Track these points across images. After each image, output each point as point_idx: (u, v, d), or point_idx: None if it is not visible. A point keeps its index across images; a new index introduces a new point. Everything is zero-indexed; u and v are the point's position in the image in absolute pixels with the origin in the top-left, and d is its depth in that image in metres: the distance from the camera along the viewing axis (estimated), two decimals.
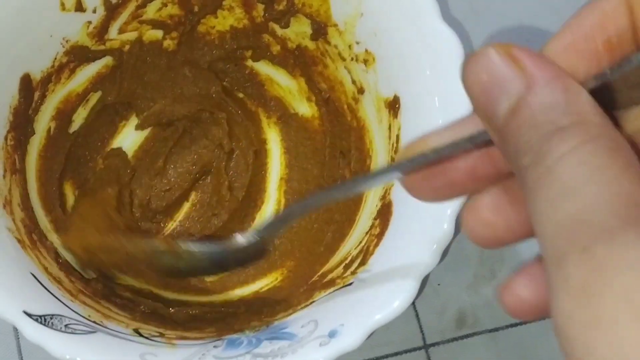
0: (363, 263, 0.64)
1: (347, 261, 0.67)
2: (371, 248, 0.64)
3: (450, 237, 0.60)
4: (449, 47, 0.62)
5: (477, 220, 0.41)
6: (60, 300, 0.62)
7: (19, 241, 0.64)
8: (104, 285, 0.69)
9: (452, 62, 0.62)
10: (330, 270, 0.69)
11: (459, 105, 0.58)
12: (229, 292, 0.75)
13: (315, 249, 0.74)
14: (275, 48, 0.77)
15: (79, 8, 0.69)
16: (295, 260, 0.75)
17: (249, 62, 0.79)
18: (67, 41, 0.70)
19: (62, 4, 0.67)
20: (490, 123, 0.37)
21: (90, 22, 0.71)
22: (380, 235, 0.64)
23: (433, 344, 0.75)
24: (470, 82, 0.37)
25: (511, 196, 0.40)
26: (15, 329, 0.73)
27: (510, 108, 0.35)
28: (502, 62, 0.35)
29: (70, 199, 0.75)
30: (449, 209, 0.59)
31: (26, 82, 0.68)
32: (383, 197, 0.67)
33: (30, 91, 0.69)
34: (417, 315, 0.75)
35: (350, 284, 0.64)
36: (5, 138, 0.66)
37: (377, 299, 0.60)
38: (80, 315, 0.62)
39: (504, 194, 0.40)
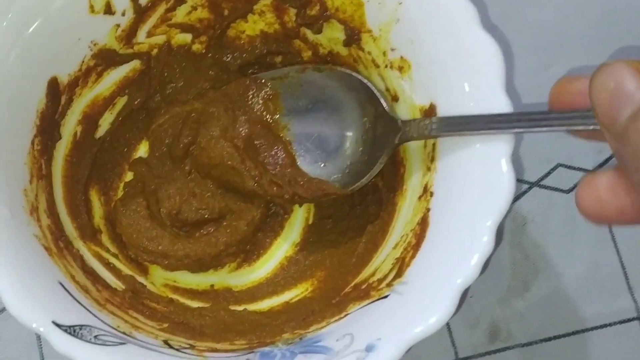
0: (399, 275, 0.62)
1: (381, 273, 0.65)
2: (407, 260, 0.62)
3: (491, 249, 0.58)
4: (488, 55, 0.60)
5: (592, 196, 0.46)
6: (89, 310, 0.60)
7: (46, 248, 0.62)
8: (133, 294, 0.67)
9: (491, 71, 0.60)
10: (364, 282, 0.67)
11: (496, 111, 0.58)
12: (258, 302, 0.73)
13: (347, 260, 0.72)
14: (307, 54, 0.75)
15: (108, 11, 0.67)
16: (325, 270, 0.73)
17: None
18: (95, 44, 0.69)
19: (91, 7, 0.66)
20: (609, 128, 0.41)
21: (118, 25, 0.69)
22: (416, 247, 0.63)
23: (465, 359, 0.73)
24: (597, 89, 0.41)
25: (628, 182, 0.43)
26: (39, 339, 0.71)
27: (633, 114, 0.39)
28: (630, 74, 0.39)
29: (96, 205, 0.74)
30: (489, 220, 0.58)
31: (53, 85, 0.67)
32: (418, 207, 0.65)
33: (58, 95, 0.67)
34: (449, 329, 0.73)
35: (386, 296, 0.62)
36: (32, 142, 0.65)
37: (415, 313, 0.58)
38: (110, 326, 0.60)
39: (620, 177, 0.44)
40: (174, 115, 0.76)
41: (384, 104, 0.68)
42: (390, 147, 0.67)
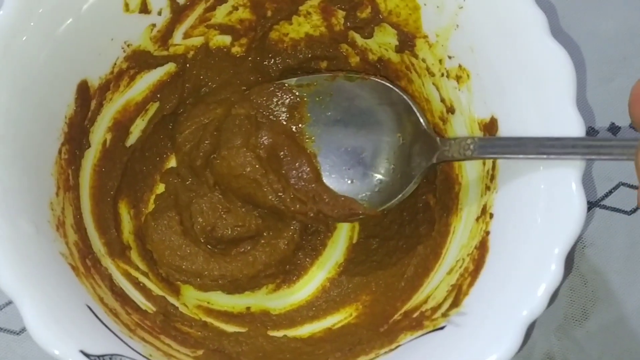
0: (456, 304, 0.57)
1: (435, 301, 0.60)
2: (464, 287, 0.58)
3: (560, 279, 0.53)
4: (557, 67, 0.55)
5: None
6: (118, 337, 0.56)
7: (73, 268, 0.58)
8: (164, 316, 0.63)
9: (560, 84, 0.55)
10: (415, 309, 0.62)
11: (563, 131, 0.54)
12: (298, 328, 0.68)
13: (395, 284, 0.67)
14: (354, 59, 0.71)
15: (144, 10, 0.63)
16: (371, 294, 0.69)
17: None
18: (128, 45, 0.65)
19: (126, 5, 0.62)
20: None
21: (154, 25, 0.65)
22: (474, 274, 0.58)
23: None
24: None
25: None
26: None
27: None
28: None
29: (125, 219, 0.70)
30: (557, 247, 0.53)
31: (83, 89, 0.62)
32: (476, 229, 0.61)
33: (87, 99, 0.63)
34: None
35: (442, 327, 0.57)
36: (60, 151, 0.61)
37: (474, 348, 0.53)
38: (142, 355, 0.55)
39: None
40: (195, 121, 0.71)
41: (422, 120, 0.65)
42: (426, 166, 0.63)
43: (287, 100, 0.70)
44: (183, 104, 0.72)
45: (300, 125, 0.70)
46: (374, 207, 0.66)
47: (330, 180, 0.68)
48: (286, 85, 0.70)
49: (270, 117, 0.70)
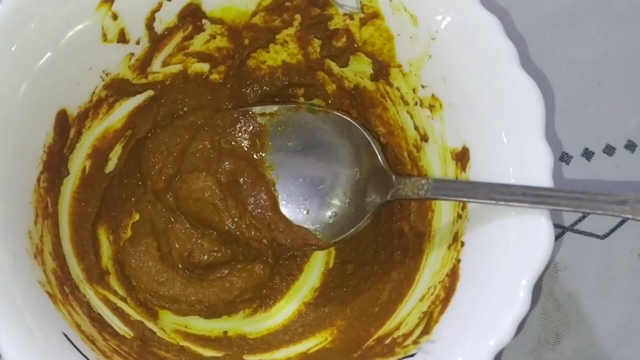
0: (426, 332, 0.58)
1: (407, 327, 0.61)
2: (435, 315, 0.59)
3: (527, 308, 0.54)
4: (528, 99, 0.57)
5: None
6: None
7: (50, 295, 0.58)
8: (141, 342, 0.64)
9: (531, 116, 0.56)
10: (387, 335, 0.63)
11: (536, 163, 0.55)
12: (274, 352, 0.69)
13: (369, 309, 0.68)
14: (331, 87, 0.71)
15: (122, 39, 0.64)
16: (346, 319, 0.69)
17: (301, 101, 0.73)
18: (107, 74, 0.66)
19: (104, 35, 0.63)
20: None
21: (132, 54, 0.66)
22: (445, 301, 0.59)
23: None
24: None
25: None
26: None
27: None
28: None
29: (104, 244, 0.70)
30: (524, 278, 0.54)
31: (62, 118, 0.63)
32: (447, 257, 0.61)
33: (66, 128, 0.64)
34: None
35: (412, 355, 0.58)
36: (38, 180, 0.61)
37: None
38: None
39: None
40: (161, 146, 0.72)
41: (379, 157, 0.67)
42: (380, 202, 0.65)
43: (250, 128, 0.71)
44: (155, 128, 0.72)
45: (261, 153, 0.71)
46: (327, 238, 0.68)
47: (287, 209, 0.70)
48: (250, 112, 0.71)
49: (233, 142, 0.71)
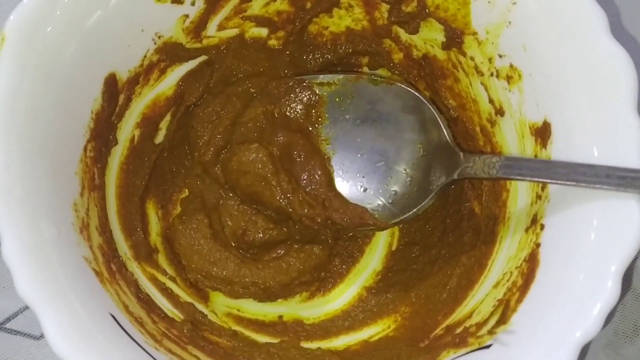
0: (503, 321, 0.54)
1: (480, 316, 0.57)
2: (513, 303, 0.54)
3: (617, 298, 0.49)
4: (618, 70, 0.52)
5: None
6: (143, 349, 0.53)
7: (97, 273, 0.55)
8: (192, 325, 0.60)
9: (621, 89, 0.52)
10: (458, 324, 0.59)
11: (621, 139, 0.51)
12: (333, 339, 0.65)
13: (437, 295, 0.64)
14: (398, 56, 0.67)
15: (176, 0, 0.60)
16: (410, 305, 0.65)
17: (365, 70, 0.69)
18: (159, 37, 0.62)
19: None
20: None
21: (187, 16, 0.62)
22: (523, 288, 0.54)
23: None
24: None
25: None
26: None
27: None
28: None
29: (152, 220, 0.67)
30: (614, 264, 0.49)
31: (111, 83, 0.59)
32: (525, 241, 0.57)
33: (115, 94, 0.60)
34: None
35: (488, 346, 0.54)
36: (85, 149, 0.58)
37: None
38: None
39: None
40: (211, 115, 0.69)
41: (446, 132, 0.63)
42: (445, 182, 0.61)
43: (306, 98, 0.68)
44: (206, 95, 0.69)
45: (316, 125, 0.67)
46: (386, 219, 0.64)
47: (343, 186, 0.66)
48: (306, 82, 0.67)
49: (287, 113, 0.67)
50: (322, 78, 0.67)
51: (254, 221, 0.67)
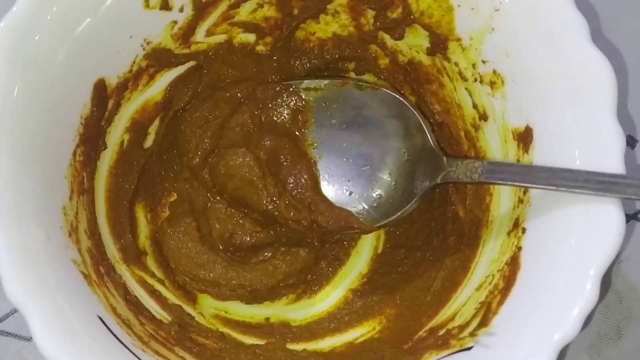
0: (484, 323, 0.55)
1: (462, 318, 0.57)
2: (494, 306, 0.55)
3: (595, 301, 0.50)
4: (598, 76, 0.53)
5: None
6: (130, 351, 0.54)
7: (85, 276, 0.55)
8: (179, 327, 0.61)
9: (601, 93, 0.53)
10: (441, 327, 0.59)
11: (606, 146, 0.52)
12: (319, 341, 0.66)
13: (421, 297, 0.65)
14: (384, 61, 0.68)
15: (165, 6, 0.61)
16: (395, 308, 0.66)
17: (351, 76, 0.70)
18: (148, 43, 0.63)
19: (146, 1, 0.60)
20: None
21: (175, 22, 0.63)
22: (505, 291, 0.55)
23: None
24: None
25: None
26: None
27: None
28: None
29: (141, 223, 0.67)
30: (592, 268, 0.50)
31: (100, 88, 0.60)
32: (507, 244, 0.58)
33: (104, 99, 0.61)
34: None
35: (469, 348, 0.54)
36: (74, 153, 0.59)
37: None
38: None
39: None
40: (200, 119, 0.69)
41: (430, 137, 0.63)
42: (429, 186, 0.62)
43: (292, 103, 0.68)
44: (194, 100, 0.69)
45: (303, 130, 0.68)
46: (371, 222, 0.65)
47: (329, 189, 0.67)
48: (293, 87, 0.68)
49: (274, 117, 0.68)
50: (309, 83, 0.68)
51: (241, 224, 0.67)
